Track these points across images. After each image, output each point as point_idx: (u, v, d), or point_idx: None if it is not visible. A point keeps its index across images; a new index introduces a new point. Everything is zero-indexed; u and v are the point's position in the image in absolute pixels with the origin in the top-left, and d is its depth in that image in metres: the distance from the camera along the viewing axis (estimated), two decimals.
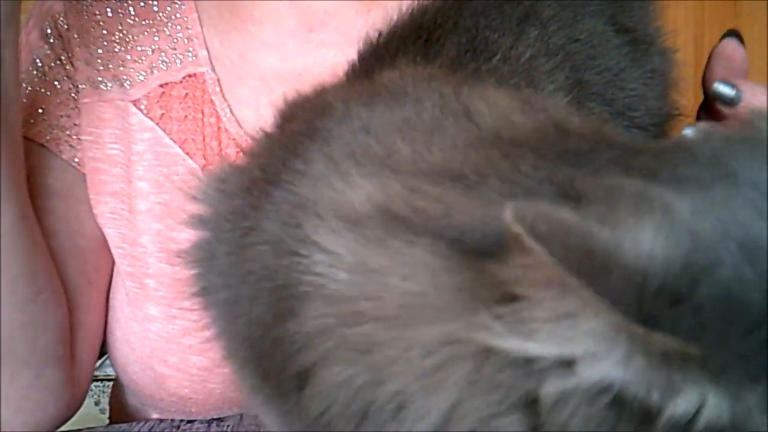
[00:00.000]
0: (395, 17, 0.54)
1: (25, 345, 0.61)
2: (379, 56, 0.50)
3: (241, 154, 0.45)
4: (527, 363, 0.27)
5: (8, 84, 0.58)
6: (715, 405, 0.24)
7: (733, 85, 0.56)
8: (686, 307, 0.24)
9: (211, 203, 0.42)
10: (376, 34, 0.53)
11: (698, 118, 0.60)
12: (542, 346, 0.26)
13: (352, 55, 0.67)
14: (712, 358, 0.24)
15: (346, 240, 0.32)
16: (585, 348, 0.25)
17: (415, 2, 0.55)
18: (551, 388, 0.26)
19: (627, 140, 0.36)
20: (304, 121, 0.41)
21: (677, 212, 0.26)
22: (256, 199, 0.38)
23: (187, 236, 0.69)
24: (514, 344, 0.26)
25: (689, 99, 0.57)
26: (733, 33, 0.57)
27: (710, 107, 0.59)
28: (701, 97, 0.59)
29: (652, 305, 0.24)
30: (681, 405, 0.24)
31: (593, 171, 0.31)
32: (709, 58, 0.55)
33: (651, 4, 0.59)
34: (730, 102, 0.56)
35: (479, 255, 0.28)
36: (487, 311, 0.27)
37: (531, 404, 0.27)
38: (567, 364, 0.26)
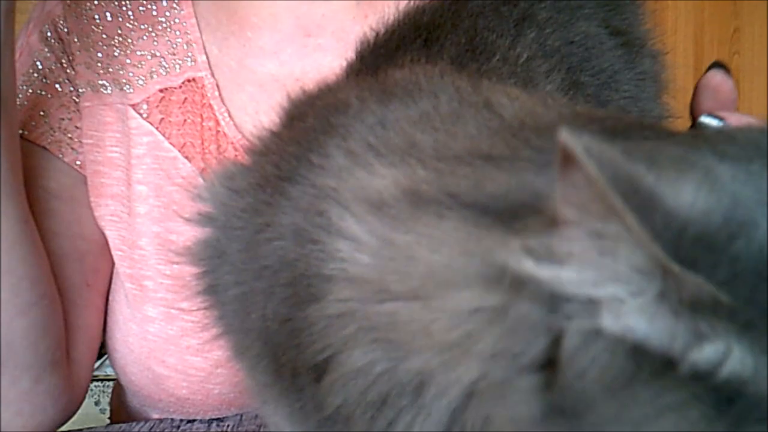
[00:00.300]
0: (392, 17, 0.54)
1: (26, 350, 0.61)
2: (378, 55, 0.51)
3: (243, 153, 0.46)
4: (555, 300, 0.27)
5: (6, 84, 0.59)
6: (739, 358, 0.24)
7: (719, 118, 0.56)
8: (724, 257, 0.24)
9: (219, 201, 0.42)
10: (374, 33, 0.54)
11: None
12: (576, 273, 0.26)
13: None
14: (742, 310, 0.24)
15: (370, 224, 0.32)
16: (619, 278, 0.25)
17: (411, 3, 0.56)
18: (577, 326, 0.26)
19: (663, 126, 0.36)
20: (318, 118, 0.41)
21: (718, 174, 0.26)
22: (269, 196, 0.38)
23: (187, 237, 0.72)
24: (546, 272, 0.26)
25: (688, 100, 0.58)
26: (719, 65, 0.56)
27: None
28: None
29: (690, 248, 0.24)
30: (705, 353, 0.25)
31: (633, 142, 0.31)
32: (696, 89, 0.55)
33: (642, 7, 0.60)
34: None
35: (511, 217, 0.28)
36: (521, 240, 0.27)
37: (550, 361, 0.27)
38: (595, 303, 0.26)
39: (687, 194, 0.25)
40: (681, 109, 0.57)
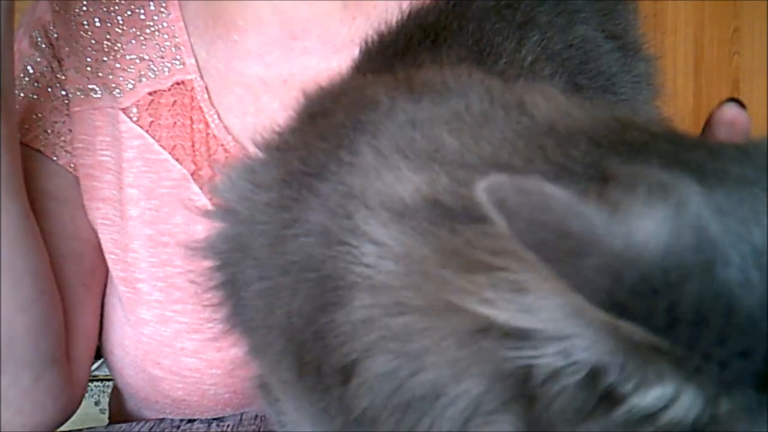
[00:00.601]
0: (395, 18, 0.56)
1: (27, 347, 0.63)
2: (387, 55, 0.53)
3: (259, 148, 0.46)
4: (519, 336, 0.27)
5: (6, 82, 0.61)
6: (686, 404, 0.25)
7: None
8: (662, 302, 0.24)
9: (240, 195, 0.42)
10: (379, 33, 0.56)
11: None
12: (504, 315, 0.27)
13: (335, 62, 0.70)
14: (688, 357, 0.24)
15: (394, 231, 0.33)
16: (543, 324, 0.26)
17: (411, 4, 0.58)
18: (543, 361, 0.27)
19: (690, 137, 0.36)
20: (347, 115, 0.41)
21: (691, 206, 0.26)
22: (296, 192, 0.39)
23: (179, 240, 0.71)
24: (484, 310, 0.27)
25: (688, 100, 0.62)
26: (733, 99, 0.56)
27: None
28: (700, 98, 0.63)
29: (623, 294, 0.24)
30: (648, 398, 0.25)
31: (639, 161, 0.31)
32: (709, 122, 0.55)
33: (635, 12, 0.63)
34: None
35: None
36: (477, 276, 0.28)
37: (529, 397, 0.28)
38: (559, 342, 0.26)
39: (642, 232, 0.25)
40: (680, 110, 0.60)
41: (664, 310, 0.24)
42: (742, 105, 0.55)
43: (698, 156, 0.32)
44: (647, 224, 0.25)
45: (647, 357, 0.25)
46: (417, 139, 0.37)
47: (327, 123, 0.42)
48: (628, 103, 0.57)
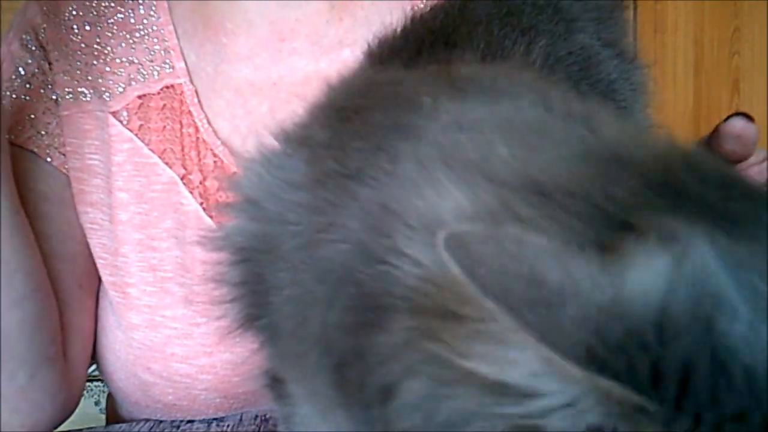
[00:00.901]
0: (393, 21, 0.58)
1: (21, 343, 0.64)
2: (401, 57, 0.53)
3: (280, 140, 0.46)
4: (507, 392, 0.27)
5: None
6: None
7: None
8: (647, 359, 0.23)
9: (268, 191, 0.41)
10: (385, 37, 0.57)
11: None
12: (486, 368, 0.26)
13: (324, 63, 0.73)
14: (676, 419, 0.23)
15: (434, 254, 0.31)
16: (525, 379, 0.25)
17: (412, 6, 0.60)
18: (541, 423, 0.26)
19: (746, 184, 0.34)
20: (385, 114, 0.40)
21: (694, 257, 0.25)
22: (332, 195, 0.37)
23: (169, 245, 0.72)
24: (465, 363, 0.27)
25: (688, 100, 0.66)
26: (741, 113, 0.58)
27: None
28: (700, 99, 0.67)
29: (604, 349, 0.23)
30: None
31: (679, 210, 0.30)
32: (716, 133, 0.57)
33: (625, 21, 0.66)
34: None
35: None
36: (454, 325, 0.27)
37: None
38: (543, 397, 0.25)
39: (638, 283, 0.24)
40: (680, 110, 0.64)
41: (647, 367, 0.23)
42: (749, 118, 0.56)
43: (741, 206, 0.31)
44: (643, 275, 0.24)
45: (634, 418, 0.24)
46: (464, 144, 0.35)
47: (363, 121, 0.41)
48: (627, 111, 0.59)
